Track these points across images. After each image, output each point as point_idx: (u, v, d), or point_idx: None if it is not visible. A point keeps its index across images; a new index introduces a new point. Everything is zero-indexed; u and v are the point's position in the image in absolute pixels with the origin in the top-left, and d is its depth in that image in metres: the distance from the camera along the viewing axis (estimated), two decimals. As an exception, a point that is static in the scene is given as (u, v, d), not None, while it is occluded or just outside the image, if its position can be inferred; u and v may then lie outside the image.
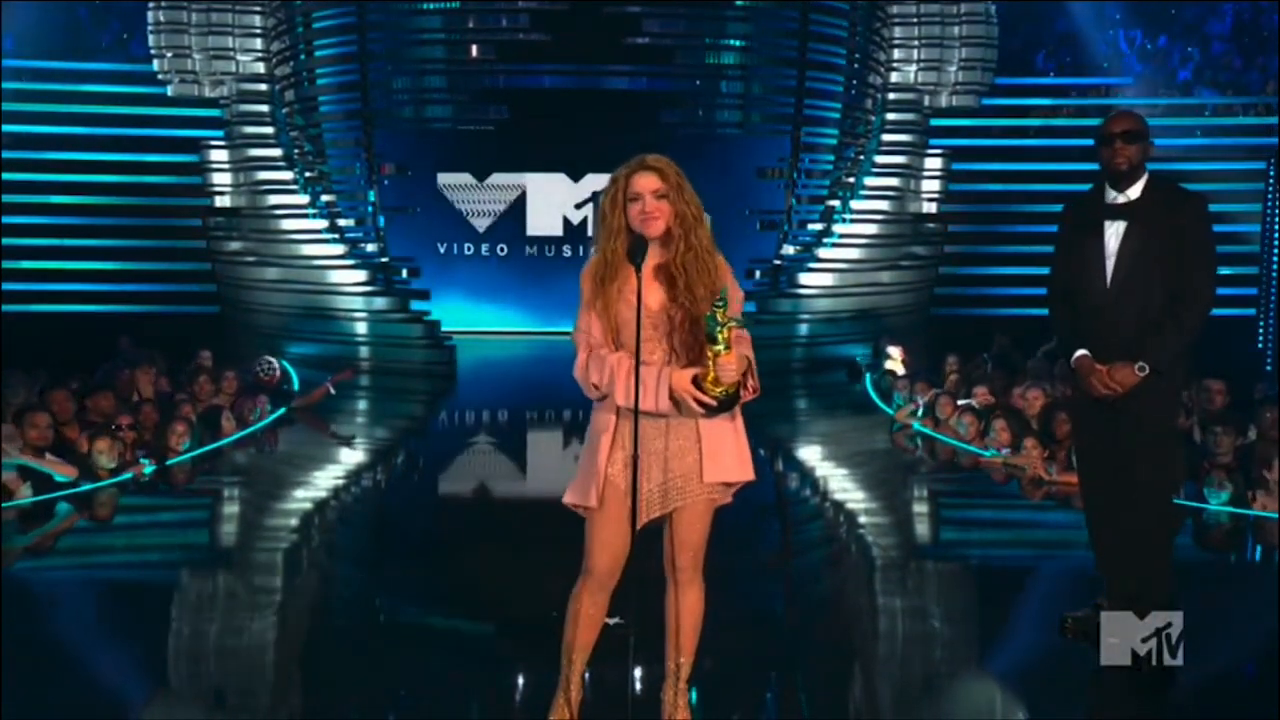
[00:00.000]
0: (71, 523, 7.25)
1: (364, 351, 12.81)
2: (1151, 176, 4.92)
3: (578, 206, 14.60)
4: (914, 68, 14.45)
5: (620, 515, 3.83)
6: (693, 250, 3.80)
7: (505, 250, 14.71)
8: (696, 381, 3.72)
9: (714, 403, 3.73)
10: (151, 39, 13.98)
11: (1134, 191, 4.88)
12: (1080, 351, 4.90)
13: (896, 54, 14.38)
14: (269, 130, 14.06)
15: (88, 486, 7.52)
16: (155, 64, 14.02)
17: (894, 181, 14.30)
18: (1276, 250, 12.99)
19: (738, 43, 13.54)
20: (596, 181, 13.79)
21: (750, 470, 3.92)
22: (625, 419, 3.81)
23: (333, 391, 10.52)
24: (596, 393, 3.83)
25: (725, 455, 3.86)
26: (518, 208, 14.72)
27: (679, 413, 3.79)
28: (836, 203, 13.97)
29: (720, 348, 3.65)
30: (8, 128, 13.55)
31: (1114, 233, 4.84)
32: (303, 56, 13.61)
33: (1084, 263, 4.89)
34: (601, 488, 3.84)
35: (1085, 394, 4.92)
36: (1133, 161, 4.83)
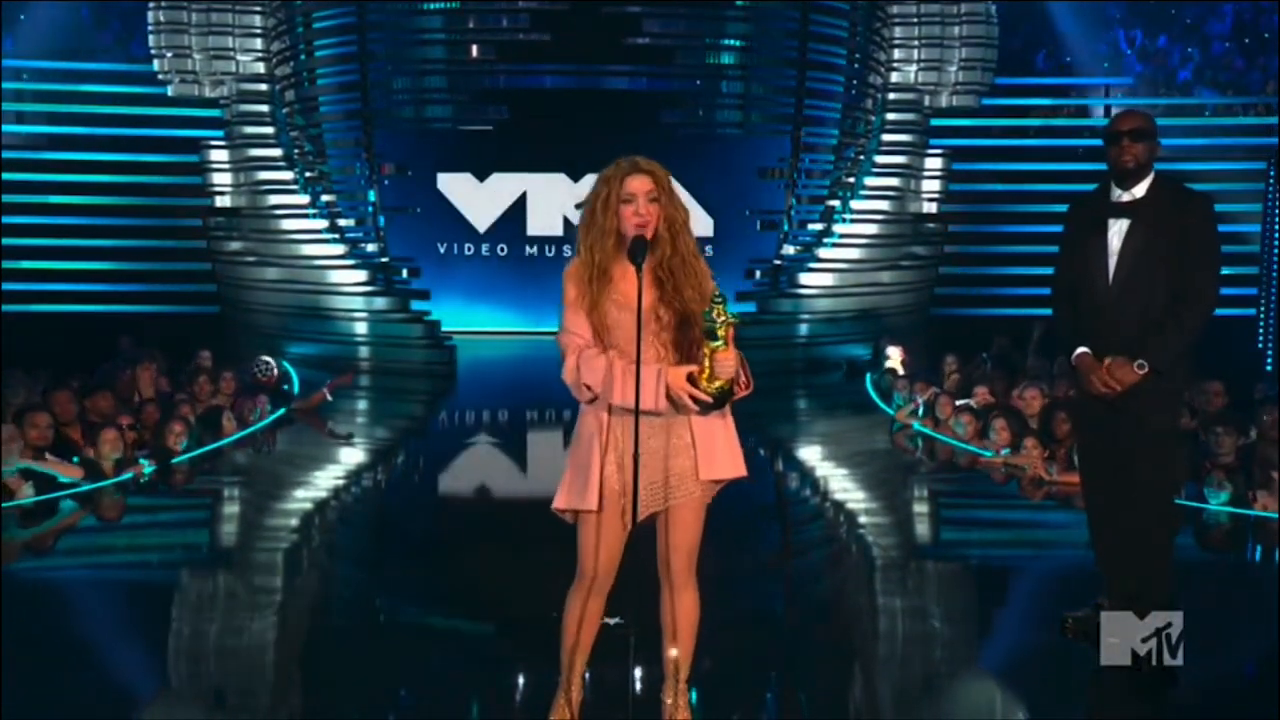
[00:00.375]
0: (71, 522, 7.25)
1: (364, 351, 12.81)
2: (1158, 176, 4.88)
3: (577, 207, 14.55)
4: (914, 68, 14.44)
5: (618, 516, 3.83)
6: (679, 254, 3.82)
7: (505, 250, 14.70)
8: (691, 379, 3.73)
9: (709, 399, 3.74)
10: (151, 39, 13.97)
11: (1139, 190, 4.85)
12: (1081, 349, 4.89)
13: (897, 54, 14.37)
14: (269, 130, 14.06)
15: (88, 486, 7.52)
16: (155, 64, 14.01)
17: (894, 181, 14.30)
18: (1276, 250, 12.98)
19: (738, 43, 13.53)
20: (596, 182, 13.77)
21: (742, 466, 3.92)
22: (618, 419, 3.81)
23: (329, 398, 10.53)
24: (589, 394, 3.81)
25: (718, 452, 3.87)
26: (518, 208, 14.71)
27: (674, 411, 3.80)
28: (836, 203, 13.97)
29: (719, 344, 3.67)
30: (8, 128, 13.56)
31: (1118, 231, 4.82)
32: (303, 56, 13.61)
33: (1087, 260, 4.87)
34: (599, 490, 3.83)
35: (1086, 393, 4.91)
36: (1139, 160, 4.81)
